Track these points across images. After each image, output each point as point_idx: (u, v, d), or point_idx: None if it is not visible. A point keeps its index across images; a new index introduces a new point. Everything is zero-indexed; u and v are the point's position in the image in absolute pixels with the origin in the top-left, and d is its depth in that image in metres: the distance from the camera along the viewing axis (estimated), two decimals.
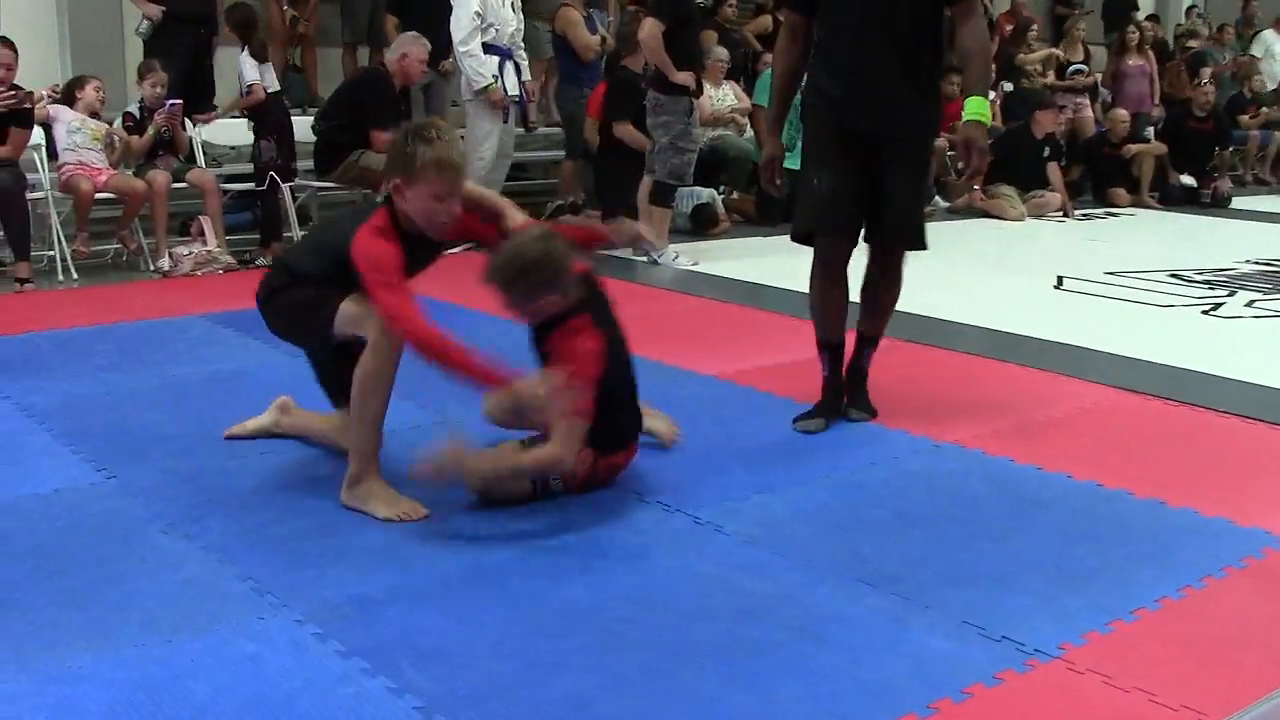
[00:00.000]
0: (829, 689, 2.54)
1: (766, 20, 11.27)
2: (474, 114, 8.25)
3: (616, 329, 3.63)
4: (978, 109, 4.03)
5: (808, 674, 2.60)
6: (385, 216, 3.50)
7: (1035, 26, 13.10)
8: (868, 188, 4.17)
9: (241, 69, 8.00)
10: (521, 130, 8.92)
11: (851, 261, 4.32)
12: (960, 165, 3.99)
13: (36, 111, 6.98)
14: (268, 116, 7.91)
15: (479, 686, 2.52)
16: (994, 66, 12.47)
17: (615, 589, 2.99)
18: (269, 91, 8.04)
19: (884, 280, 4.37)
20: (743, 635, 2.77)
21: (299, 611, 2.84)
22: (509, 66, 8.21)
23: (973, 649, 2.72)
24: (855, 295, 4.42)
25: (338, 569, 3.08)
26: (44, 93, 7.15)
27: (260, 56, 8.07)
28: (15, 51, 6.72)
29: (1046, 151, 10.62)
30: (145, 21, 8.39)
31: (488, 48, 8.04)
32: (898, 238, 4.27)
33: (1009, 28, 13.14)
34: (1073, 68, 12.65)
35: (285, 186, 7.83)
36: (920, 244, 4.27)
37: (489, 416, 3.73)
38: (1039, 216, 10.35)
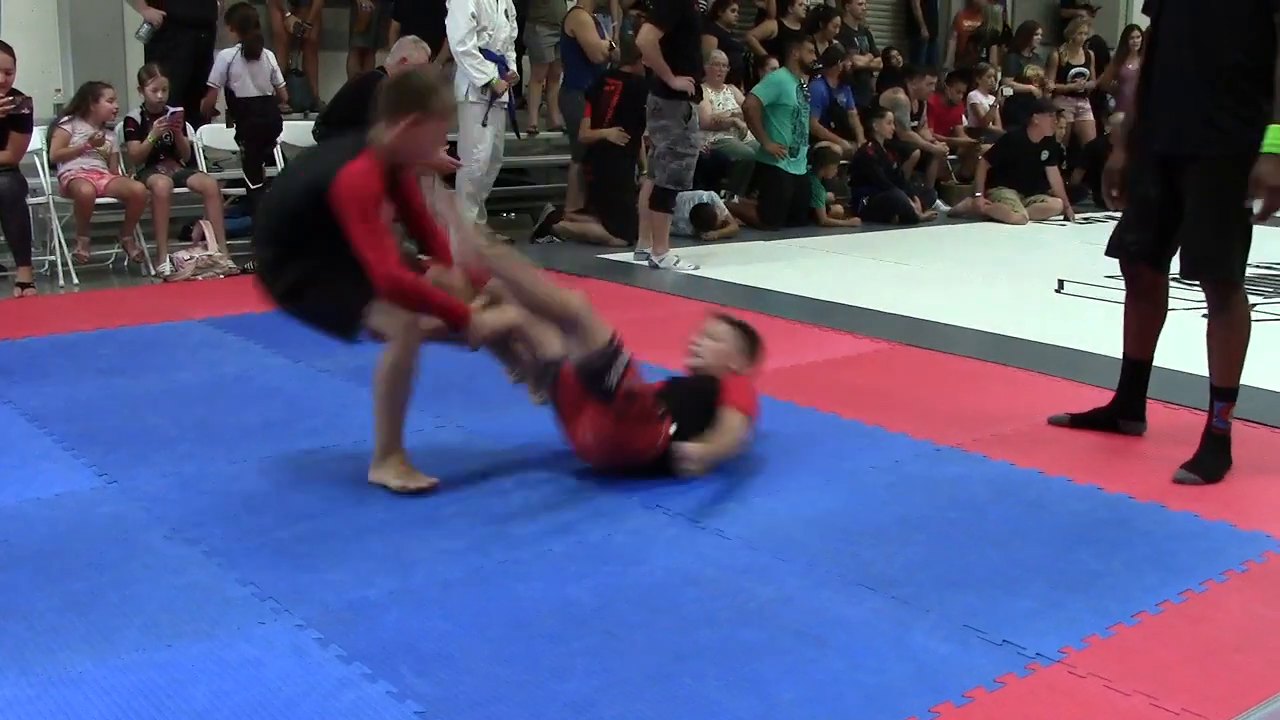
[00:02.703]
0: (831, 692, 2.54)
1: (771, 25, 11.28)
2: (469, 117, 8.27)
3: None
4: (1273, 139, 3.53)
5: (809, 677, 2.60)
6: (372, 156, 3.59)
7: (1039, 31, 13.10)
8: (1172, 214, 3.94)
9: (214, 68, 8.02)
10: (513, 135, 8.94)
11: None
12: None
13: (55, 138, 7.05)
14: (242, 120, 7.93)
15: (480, 691, 2.52)
16: (996, 70, 12.48)
17: (617, 592, 2.99)
18: (257, 95, 8.04)
19: (1210, 318, 4.01)
20: (745, 639, 2.77)
21: (300, 616, 2.84)
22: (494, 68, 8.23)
23: (974, 653, 2.72)
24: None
25: (339, 573, 3.08)
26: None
27: (252, 53, 8.05)
28: (13, 56, 6.72)
29: (1045, 155, 10.61)
30: (145, 25, 8.41)
31: (482, 53, 8.05)
32: (1187, 267, 3.92)
33: (967, 23, 13.22)
34: (1073, 71, 12.65)
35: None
36: (1212, 272, 3.89)
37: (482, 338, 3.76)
38: (1040, 220, 10.34)
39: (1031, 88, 12.25)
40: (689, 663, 2.65)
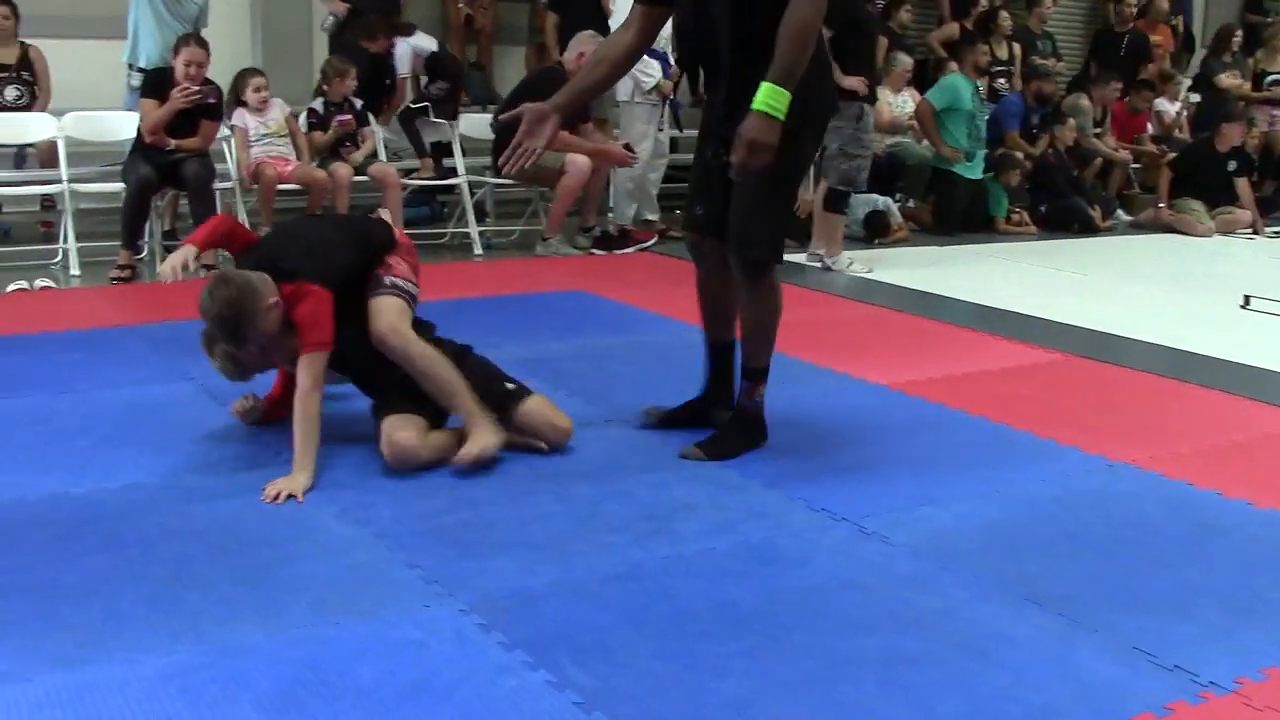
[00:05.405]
0: (991, 708, 2.50)
1: (953, 28, 11.10)
2: (631, 115, 8.35)
3: None
4: (763, 98, 3.44)
5: (969, 692, 2.56)
6: None
7: (1239, 34, 12.64)
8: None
9: (399, 61, 8.52)
10: (677, 132, 8.97)
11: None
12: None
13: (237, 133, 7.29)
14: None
15: (638, 686, 2.53)
16: (1181, 78, 12.07)
17: (778, 594, 2.98)
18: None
19: (740, 294, 3.95)
20: (904, 648, 2.73)
21: (464, 601, 2.88)
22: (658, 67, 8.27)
23: (1142, 676, 2.65)
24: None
25: (502, 561, 3.12)
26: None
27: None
28: (207, 50, 6.92)
29: (1233, 165, 10.27)
30: (331, 18, 8.65)
31: (648, 51, 8.08)
32: (730, 241, 3.85)
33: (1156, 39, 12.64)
34: (1270, 78, 12.19)
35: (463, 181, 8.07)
36: (744, 250, 3.82)
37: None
38: (1227, 233, 10.02)
39: (1232, 88, 11.84)
40: (847, 669, 2.63)
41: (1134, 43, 12.00)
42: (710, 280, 4.07)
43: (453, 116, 8.46)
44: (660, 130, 8.48)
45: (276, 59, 9.01)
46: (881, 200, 8.99)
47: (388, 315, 3.79)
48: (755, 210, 3.74)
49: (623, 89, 8.31)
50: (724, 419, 4.09)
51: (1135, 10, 12.07)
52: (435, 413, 3.88)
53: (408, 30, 8.77)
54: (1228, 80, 12.09)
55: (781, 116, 3.47)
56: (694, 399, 4.22)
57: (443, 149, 8.50)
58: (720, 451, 3.92)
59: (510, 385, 3.98)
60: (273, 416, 4.07)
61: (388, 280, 3.86)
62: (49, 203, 7.91)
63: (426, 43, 8.79)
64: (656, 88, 8.15)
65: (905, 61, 9.78)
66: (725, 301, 4.08)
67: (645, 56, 7.95)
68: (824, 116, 3.89)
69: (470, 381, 3.87)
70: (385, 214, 7.41)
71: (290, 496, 3.51)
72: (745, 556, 3.21)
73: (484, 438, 3.77)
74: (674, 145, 9.03)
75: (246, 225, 7.11)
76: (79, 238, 6.94)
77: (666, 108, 8.50)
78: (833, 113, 4.00)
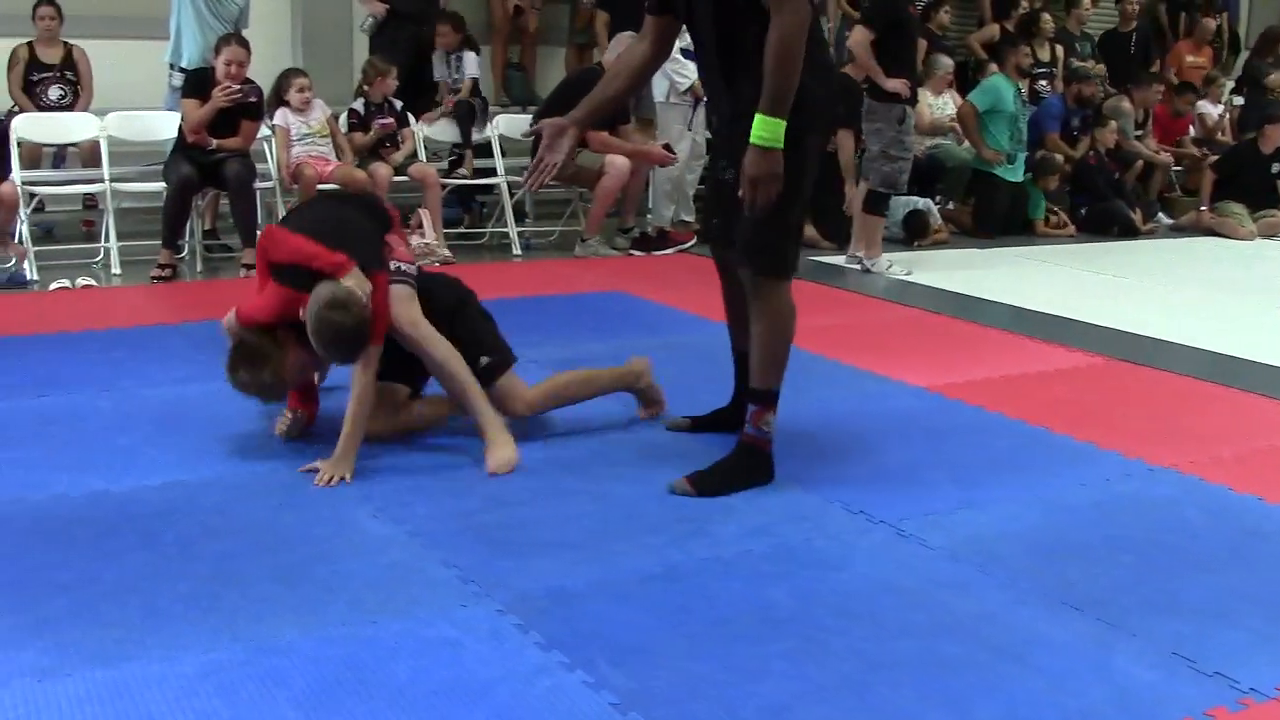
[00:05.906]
0: (1028, 712, 2.48)
1: (993, 29, 11.05)
2: (667, 117, 8.36)
3: None
4: (759, 130, 3.41)
5: (1007, 696, 2.55)
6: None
7: None
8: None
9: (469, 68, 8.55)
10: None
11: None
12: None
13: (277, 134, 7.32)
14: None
15: (675, 687, 2.53)
16: (1225, 80, 11.93)
17: (816, 597, 2.97)
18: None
19: (750, 310, 3.77)
20: (943, 651, 2.72)
21: (500, 601, 2.88)
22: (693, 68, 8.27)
23: (1181, 682, 2.63)
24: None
25: (539, 561, 3.12)
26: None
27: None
28: (248, 50, 6.96)
29: (1276, 168, 10.17)
30: (369, 18, 8.70)
31: (683, 52, 8.09)
32: (737, 253, 3.74)
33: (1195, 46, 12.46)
34: None
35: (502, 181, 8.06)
36: (753, 263, 3.66)
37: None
38: (1270, 236, 9.92)
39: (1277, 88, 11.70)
40: (885, 672, 2.62)
41: (1141, 40, 11.91)
42: (732, 289, 4.03)
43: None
44: (690, 130, 8.48)
45: (316, 59, 9.06)
46: (921, 202, 8.96)
47: (404, 309, 3.82)
48: (762, 220, 3.58)
49: (659, 90, 8.31)
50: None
51: (1137, 8, 11.98)
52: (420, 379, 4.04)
53: (474, 46, 8.85)
54: (1273, 80, 11.97)
55: (779, 145, 3.43)
56: (722, 407, 4.20)
57: (475, 151, 8.53)
58: (711, 488, 3.64)
59: (485, 361, 3.99)
60: (310, 414, 4.07)
61: (392, 265, 3.89)
62: (91, 202, 8.00)
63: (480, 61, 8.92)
64: (691, 89, 8.15)
65: (946, 64, 9.73)
66: (748, 311, 4.06)
67: (681, 57, 7.99)
68: (825, 116, 3.80)
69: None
70: (425, 214, 7.46)
71: (342, 479, 3.60)
72: (783, 559, 3.20)
73: (500, 452, 3.79)
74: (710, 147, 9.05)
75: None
76: (120, 237, 7.02)
77: (700, 109, 8.51)
78: (834, 108, 3.93)
